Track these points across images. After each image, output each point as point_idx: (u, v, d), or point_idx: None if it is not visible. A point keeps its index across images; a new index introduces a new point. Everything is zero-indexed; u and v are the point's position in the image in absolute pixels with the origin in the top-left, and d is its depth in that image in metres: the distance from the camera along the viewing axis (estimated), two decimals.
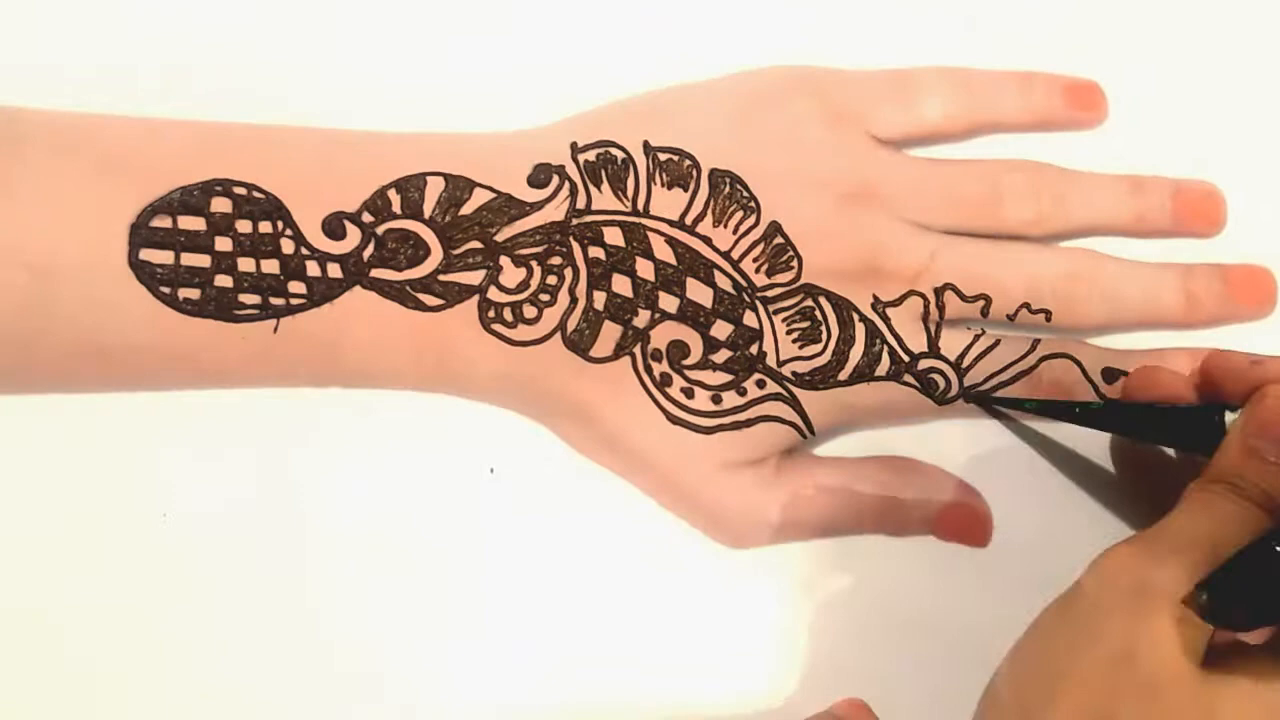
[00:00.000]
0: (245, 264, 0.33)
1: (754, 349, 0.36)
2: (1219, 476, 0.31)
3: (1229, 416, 0.33)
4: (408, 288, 0.34)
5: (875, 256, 0.36)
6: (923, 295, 0.37)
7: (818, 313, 0.36)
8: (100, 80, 0.35)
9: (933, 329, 0.37)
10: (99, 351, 0.33)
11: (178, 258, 0.33)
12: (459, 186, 0.34)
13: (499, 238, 0.34)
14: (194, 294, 0.33)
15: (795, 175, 0.36)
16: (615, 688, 0.36)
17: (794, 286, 0.36)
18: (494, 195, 0.35)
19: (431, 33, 0.39)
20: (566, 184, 0.35)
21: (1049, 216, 0.38)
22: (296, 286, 0.33)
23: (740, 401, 0.36)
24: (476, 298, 0.34)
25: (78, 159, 0.33)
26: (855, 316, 0.36)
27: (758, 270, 0.36)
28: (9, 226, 0.32)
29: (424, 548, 0.36)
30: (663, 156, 0.36)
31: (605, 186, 0.35)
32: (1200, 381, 0.35)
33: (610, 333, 0.35)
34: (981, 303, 0.37)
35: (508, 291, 0.34)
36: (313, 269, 0.33)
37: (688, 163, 0.36)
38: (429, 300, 0.34)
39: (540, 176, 0.35)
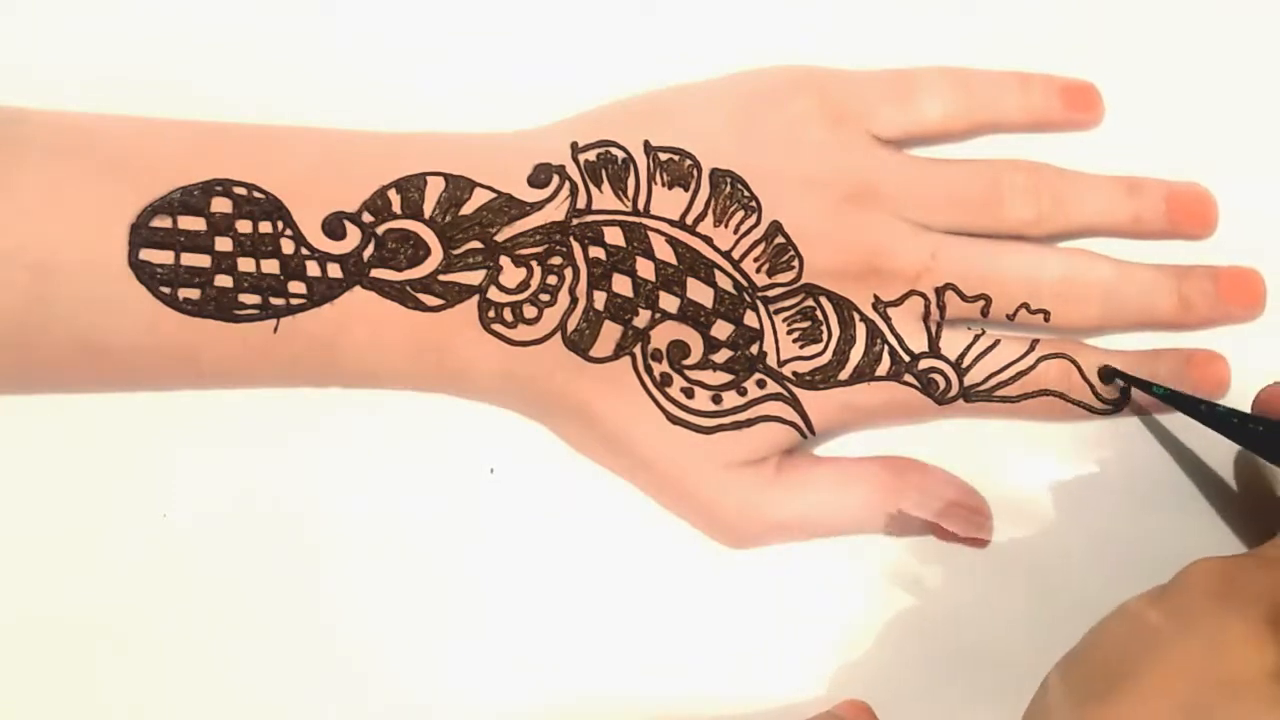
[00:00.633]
0: (245, 264, 0.33)
1: (754, 349, 0.36)
2: None
3: None
4: (408, 288, 0.34)
5: (876, 256, 0.37)
6: (924, 295, 0.37)
7: (818, 312, 0.36)
8: (100, 80, 0.35)
9: (933, 329, 0.37)
10: (99, 351, 0.33)
11: (178, 258, 0.33)
12: (459, 186, 0.34)
13: (499, 238, 0.34)
14: (194, 294, 0.33)
15: (796, 175, 0.37)
16: (615, 688, 0.36)
17: (795, 286, 0.36)
18: (494, 195, 0.35)
19: (431, 33, 0.39)
20: (567, 184, 0.35)
21: (1049, 216, 0.38)
22: (296, 286, 0.33)
23: (740, 401, 0.36)
24: (476, 298, 0.34)
25: (78, 159, 0.33)
26: (856, 316, 0.36)
27: (758, 270, 0.36)
28: (9, 226, 0.31)
29: (424, 548, 0.36)
30: (663, 156, 0.36)
31: (606, 186, 0.35)
32: None
33: (610, 333, 0.35)
34: (982, 303, 0.37)
35: (508, 291, 0.34)
36: (313, 269, 0.33)
37: (688, 162, 0.36)
38: (429, 300, 0.34)
39: (540, 176, 0.35)
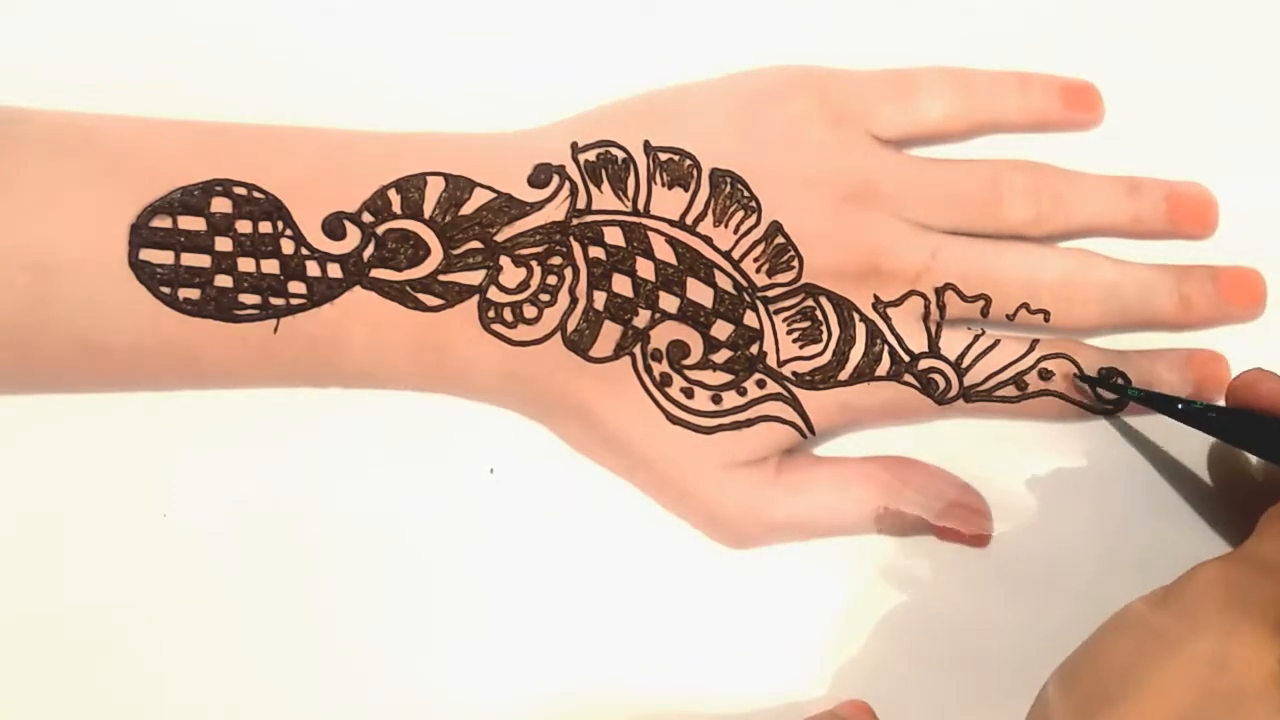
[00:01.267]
0: (245, 264, 0.33)
1: (754, 349, 0.36)
2: None
3: None
4: (408, 288, 0.34)
5: (876, 256, 0.37)
6: (924, 295, 0.37)
7: (818, 312, 0.36)
8: (100, 80, 0.35)
9: (933, 329, 0.37)
10: (99, 351, 0.33)
11: (178, 258, 0.33)
12: (459, 186, 0.34)
13: (499, 238, 0.34)
14: (194, 294, 0.33)
15: (796, 175, 0.37)
16: (615, 688, 0.36)
17: (794, 286, 0.36)
18: (494, 195, 0.35)
19: (431, 33, 0.39)
20: (567, 184, 0.35)
21: (1048, 216, 0.38)
22: (296, 286, 0.33)
23: (740, 401, 0.36)
24: (476, 298, 0.34)
25: (78, 159, 0.33)
26: (856, 316, 0.36)
27: (758, 270, 0.36)
28: (9, 227, 0.32)
29: (424, 548, 0.36)
30: (663, 156, 0.36)
31: (606, 186, 0.35)
32: None
33: (610, 333, 0.35)
34: (982, 303, 0.37)
35: (508, 291, 0.34)
36: (313, 269, 0.33)
37: (688, 162, 0.36)
38: (429, 300, 0.34)
39: (540, 176, 0.35)
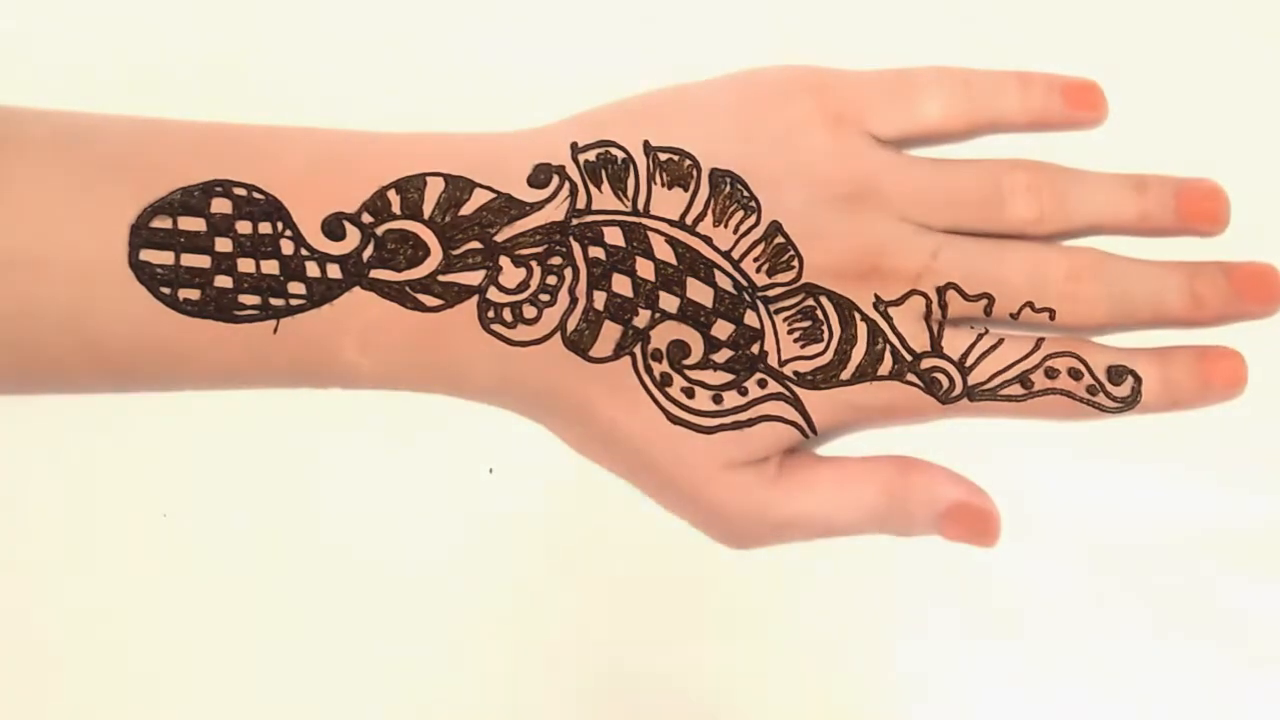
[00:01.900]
0: (245, 265, 0.33)
1: (755, 349, 0.36)
2: None
3: None
4: (407, 288, 0.34)
5: (876, 256, 0.36)
6: (925, 295, 0.37)
7: (819, 312, 0.36)
8: (100, 80, 0.35)
9: (935, 328, 0.37)
10: (99, 351, 0.33)
11: (178, 258, 0.33)
12: (459, 187, 0.34)
13: (499, 238, 0.34)
14: (194, 294, 0.33)
15: (796, 175, 0.36)
16: (615, 688, 0.36)
17: (795, 286, 0.36)
18: (494, 195, 0.34)
19: (432, 32, 0.39)
20: (566, 184, 0.35)
21: (1051, 215, 0.38)
22: (296, 287, 0.33)
23: (741, 401, 0.36)
24: (476, 298, 0.34)
25: (78, 159, 0.33)
26: (857, 316, 0.36)
27: (758, 270, 0.36)
28: (8, 226, 0.32)
29: (424, 548, 0.36)
30: (663, 156, 0.36)
31: (605, 186, 0.35)
32: None
33: (610, 333, 0.35)
34: (984, 302, 0.37)
35: (507, 292, 0.34)
36: (312, 269, 0.33)
37: (688, 162, 0.36)
38: (428, 301, 0.34)
39: (540, 176, 0.35)
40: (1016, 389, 0.37)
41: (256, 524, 0.36)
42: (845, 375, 0.36)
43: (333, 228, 0.34)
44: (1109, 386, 0.37)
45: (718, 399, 0.36)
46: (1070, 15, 0.41)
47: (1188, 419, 0.38)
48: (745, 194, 0.36)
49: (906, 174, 0.37)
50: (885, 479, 0.37)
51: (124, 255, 0.32)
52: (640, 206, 0.35)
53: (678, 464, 0.36)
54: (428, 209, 0.34)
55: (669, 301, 0.35)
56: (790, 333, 0.36)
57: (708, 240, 0.35)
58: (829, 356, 0.36)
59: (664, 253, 0.35)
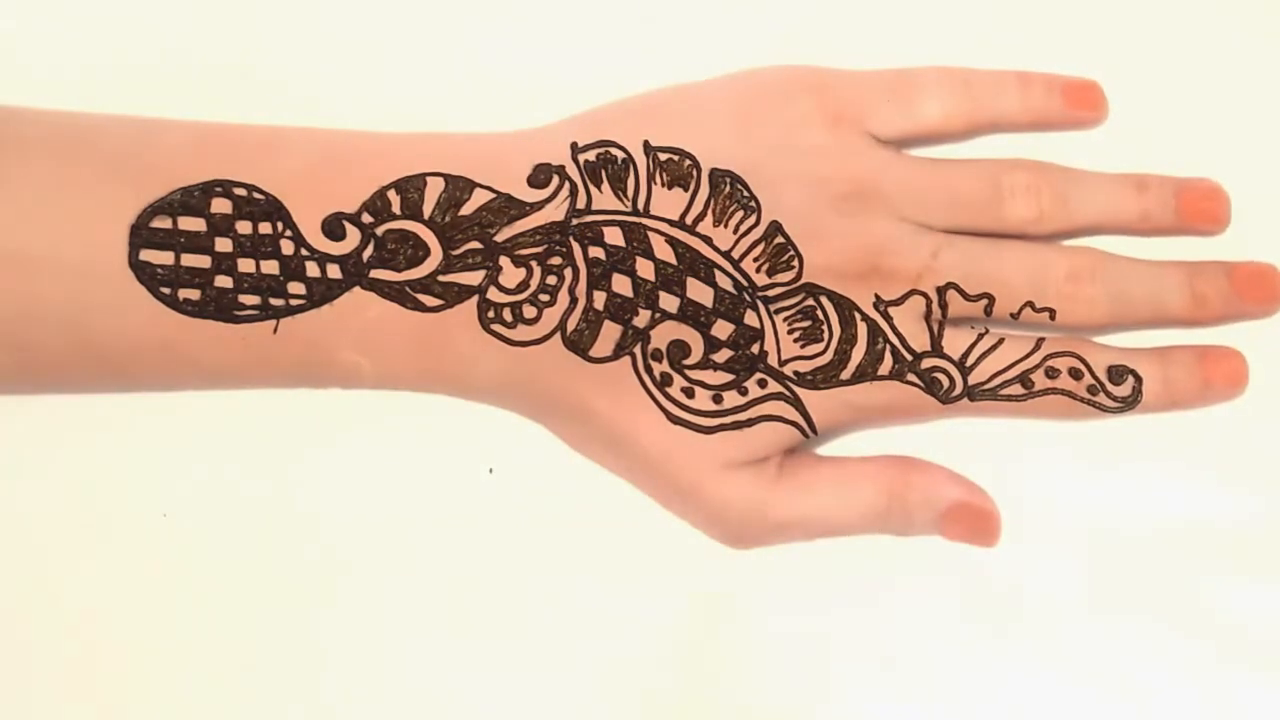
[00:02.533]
0: (245, 265, 0.33)
1: (755, 348, 0.36)
2: None
3: None
4: (407, 288, 0.34)
5: (876, 256, 0.36)
6: (925, 294, 0.37)
7: (819, 312, 0.36)
8: (100, 80, 0.35)
9: (935, 328, 0.37)
10: (99, 352, 0.33)
11: (178, 258, 0.33)
12: (459, 187, 0.34)
13: (499, 238, 0.34)
14: (194, 295, 0.33)
15: (796, 175, 0.36)
16: (614, 688, 0.36)
17: (795, 286, 0.36)
18: (494, 195, 0.34)
19: (432, 32, 0.39)
20: (566, 184, 0.35)
21: (1051, 215, 0.38)
22: (296, 287, 0.33)
23: (741, 401, 0.36)
24: (476, 298, 0.34)
25: (78, 159, 0.33)
26: (857, 316, 0.36)
27: (758, 270, 0.36)
28: (9, 227, 0.32)
29: (424, 548, 0.36)
30: (663, 156, 0.36)
31: (605, 186, 0.35)
32: None
33: (610, 333, 0.35)
34: (984, 301, 0.37)
35: (507, 292, 0.34)
36: (312, 270, 0.33)
37: (688, 162, 0.36)
38: (428, 301, 0.34)
39: (540, 176, 0.35)
40: (1017, 389, 0.37)
41: (256, 524, 0.36)
42: (845, 375, 0.36)
43: (333, 228, 0.34)
44: (1109, 386, 0.37)
45: (718, 399, 0.36)
46: (1070, 15, 0.41)
47: (1188, 419, 0.38)
48: (745, 194, 0.36)
49: (906, 174, 0.37)
50: (885, 479, 0.37)
51: (124, 255, 0.32)
52: (640, 206, 0.35)
53: (678, 464, 0.36)
54: (428, 209, 0.34)
55: (669, 301, 0.35)
56: (790, 333, 0.36)
57: (708, 240, 0.35)
58: (829, 356, 0.36)
59: (664, 253, 0.35)
